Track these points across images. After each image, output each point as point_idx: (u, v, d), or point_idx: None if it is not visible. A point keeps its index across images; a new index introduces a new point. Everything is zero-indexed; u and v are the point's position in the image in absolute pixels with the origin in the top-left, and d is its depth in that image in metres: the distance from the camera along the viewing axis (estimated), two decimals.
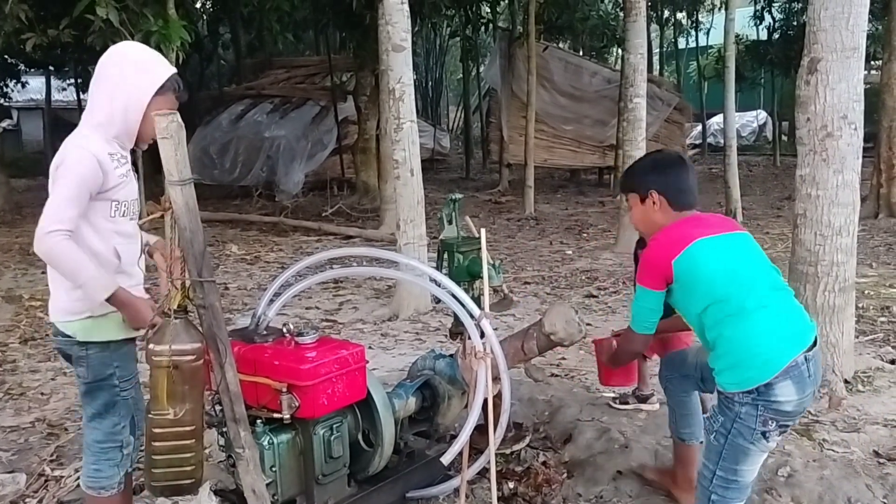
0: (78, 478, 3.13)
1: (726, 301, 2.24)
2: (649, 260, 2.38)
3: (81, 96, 25.41)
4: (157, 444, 1.79)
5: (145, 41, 7.49)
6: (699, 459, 2.44)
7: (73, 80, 24.69)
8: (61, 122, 27.04)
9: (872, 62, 16.16)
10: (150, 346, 1.75)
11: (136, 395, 2.37)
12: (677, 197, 2.44)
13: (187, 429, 1.79)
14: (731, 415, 2.21)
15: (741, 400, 2.19)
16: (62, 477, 3.20)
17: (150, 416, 1.80)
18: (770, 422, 2.18)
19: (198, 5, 15.47)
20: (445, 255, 3.14)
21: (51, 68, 22.09)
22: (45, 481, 3.20)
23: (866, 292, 6.10)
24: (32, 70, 22.29)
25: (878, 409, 3.65)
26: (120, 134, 2.20)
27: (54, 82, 25.13)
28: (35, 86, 25.38)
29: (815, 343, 2.25)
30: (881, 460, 3.13)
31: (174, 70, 2.30)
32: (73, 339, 2.28)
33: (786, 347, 2.18)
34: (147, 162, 11.77)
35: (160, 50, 7.68)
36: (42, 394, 4.32)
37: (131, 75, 2.18)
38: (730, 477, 2.27)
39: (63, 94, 27.35)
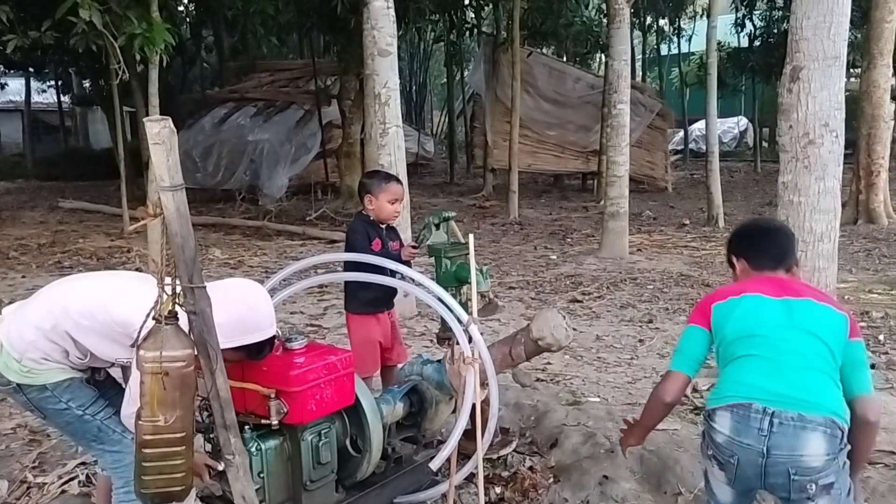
0: (62, 485, 3.12)
1: (733, 349, 2.27)
2: (700, 302, 2.44)
3: (62, 98, 25.24)
4: (146, 450, 1.78)
5: (129, 44, 7.44)
6: None
7: (53, 82, 24.47)
8: (41, 124, 26.84)
9: (852, 70, 16.38)
10: (141, 352, 1.75)
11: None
12: (753, 260, 2.45)
13: (177, 435, 1.78)
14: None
15: (705, 420, 2.28)
16: (45, 484, 3.17)
17: (139, 422, 1.79)
18: (709, 447, 2.23)
19: (181, 8, 15.39)
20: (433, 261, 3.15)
21: (31, 70, 21.86)
22: (28, 488, 3.16)
23: (847, 297, 6.18)
24: (12, 72, 22.07)
25: None
26: None
27: (34, 84, 24.87)
28: (14, 87, 25.14)
29: (800, 417, 2.09)
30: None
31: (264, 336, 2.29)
32: (10, 384, 2.28)
33: (744, 391, 2.17)
34: (128, 165, 11.72)
35: (143, 53, 7.64)
36: None
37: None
38: (706, 498, 2.36)
39: (43, 96, 27.07)
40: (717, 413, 2.19)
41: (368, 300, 3.41)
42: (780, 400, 2.12)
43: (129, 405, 2.15)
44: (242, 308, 2.25)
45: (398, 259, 3.30)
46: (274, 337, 2.35)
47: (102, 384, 2.47)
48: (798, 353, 2.19)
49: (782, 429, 2.09)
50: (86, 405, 2.34)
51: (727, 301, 2.33)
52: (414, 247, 3.40)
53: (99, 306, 2.22)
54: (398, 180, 3.58)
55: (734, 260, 2.52)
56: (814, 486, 2.08)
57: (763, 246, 2.49)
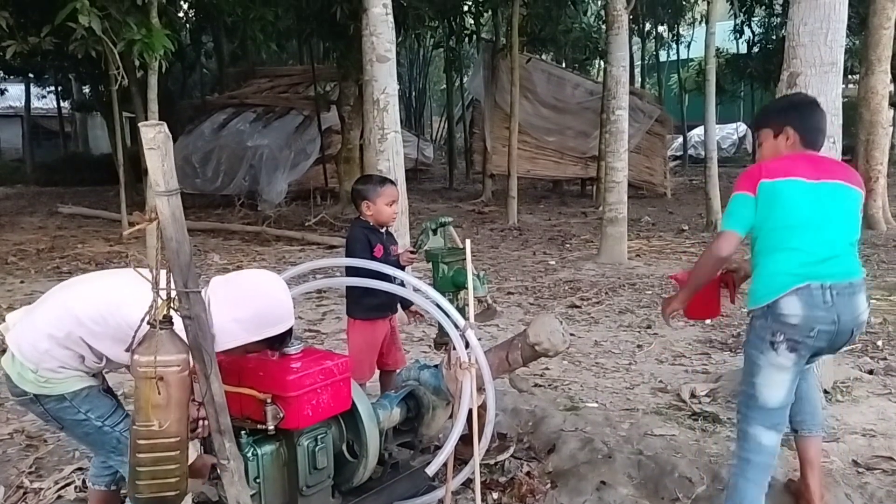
0: (59, 490, 3.11)
1: (776, 238, 2.50)
2: (748, 171, 2.60)
3: (61, 104, 25.28)
4: (141, 455, 1.78)
5: (128, 50, 7.46)
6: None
7: (53, 88, 24.50)
8: (40, 129, 26.87)
9: (850, 76, 16.42)
10: (136, 356, 1.74)
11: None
12: (808, 136, 2.64)
13: (172, 440, 1.78)
14: (750, 329, 2.57)
15: (756, 314, 2.53)
16: (41, 489, 3.16)
17: (134, 427, 1.79)
18: (777, 333, 2.46)
19: (181, 14, 15.42)
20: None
21: (31, 76, 21.89)
22: (24, 493, 3.15)
23: None
24: (11, 77, 22.09)
25: (856, 419, 3.70)
26: None
27: (34, 90, 24.90)
28: (14, 93, 25.17)
29: (850, 284, 2.48)
30: (860, 469, 3.17)
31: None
32: (27, 395, 2.26)
33: (800, 276, 2.45)
34: (127, 171, 11.72)
35: (142, 59, 7.66)
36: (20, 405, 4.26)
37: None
38: (749, 391, 2.57)
39: (43, 101, 27.11)
40: (780, 303, 2.45)
41: (372, 306, 3.41)
42: (832, 274, 2.45)
43: None
44: (265, 301, 2.28)
45: (397, 264, 3.31)
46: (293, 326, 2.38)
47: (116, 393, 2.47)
48: (838, 233, 2.51)
49: (841, 298, 2.44)
50: (105, 416, 2.32)
51: (774, 182, 2.50)
52: (412, 252, 3.41)
53: (111, 311, 2.18)
54: (392, 182, 3.59)
55: (787, 130, 2.62)
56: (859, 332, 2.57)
57: (817, 124, 2.69)
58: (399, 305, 3.60)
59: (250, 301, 2.25)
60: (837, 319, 2.43)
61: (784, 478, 3.02)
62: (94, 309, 2.21)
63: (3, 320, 2.43)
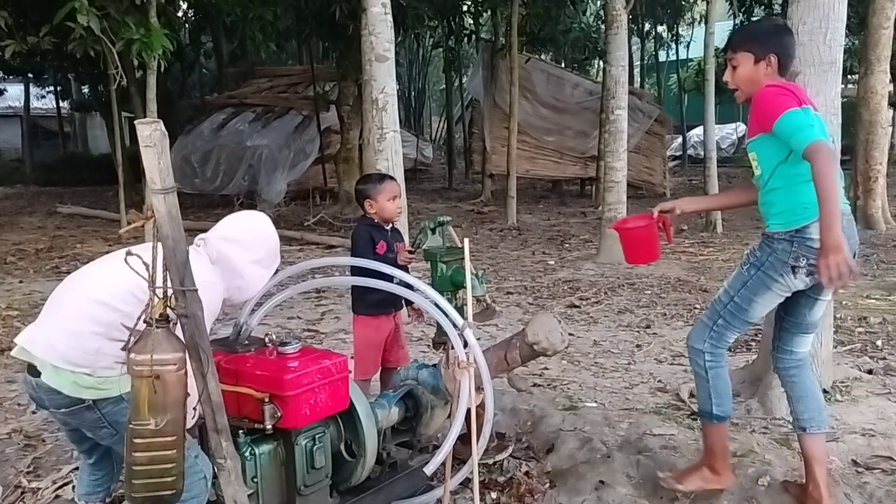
0: (57, 490, 3.10)
1: (805, 168, 2.48)
2: (781, 91, 2.52)
3: (60, 104, 25.28)
4: (137, 454, 1.77)
5: (127, 49, 7.45)
6: (725, 290, 2.74)
7: (52, 88, 24.50)
8: (40, 129, 26.88)
9: (849, 76, 16.42)
10: (132, 355, 1.74)
11: None
12: (787, 65, 2.66)
13: (168, 439, 1.78)
14: (769, 251, 2.61)
15: (780, 237, 2.59)
16: (39, 489, 3.15)
17: (130, 426, 1.78)
18: (801, 258, 2.54)
19: (180, 14, 15.42)
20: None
21: (30, 76, 21.89)
22: (22, 493, 3.14)
23: (844, 303, 6.18)
24: (11, 77, 22.09)
25: (856, 419, 3.69)
26: None
27: (33, 90, 24.91)
28: (13, 93, 25.18)
29: (848, 210, 2.63)
30: (860, 469, 3.16)
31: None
32: (82, 403, 2.16)
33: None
34: (126, 171, 11.71)
35: (141, 58, 7.66)
36: (19, 404, 4.25)
37: None
38: (743, 306, 2.67)
39: (42, 101, 27.12)
40: (809, 228, 2.52)
41: (374, 302, 3.43)
42: (843, 202, 2.50)
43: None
44: (270, 235, 2.52)
45: (396, 263, 3.31)
46: None
47: None
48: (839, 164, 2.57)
49: (848, 222, 2.55)
50: None
51: (809, 110, 2.50)
52: (410, 251, 3.42)
53: (136, 285, 2.02)
54: (392, 178, 3.63)
55: (771, 58, 2.61)
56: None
57: (794, 49, 2.72)
58: (403, 303, 3.61)
59: (260, 241, 2.46)
60: (848, 243, 2.41)
61: (783, 477, 3.02)
62: (120, 289, 2.14)
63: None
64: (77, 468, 3.21)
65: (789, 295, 2.67)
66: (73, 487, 3.11)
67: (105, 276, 2.24)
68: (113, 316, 2.11)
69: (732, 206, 3.19)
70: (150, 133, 1.60)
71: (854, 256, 2.51)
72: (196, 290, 1.73)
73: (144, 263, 1.75)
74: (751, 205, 2.91)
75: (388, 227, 3.53)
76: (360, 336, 3.53)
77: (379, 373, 3.67)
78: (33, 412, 3.99)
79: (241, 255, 2.38)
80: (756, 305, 2.67)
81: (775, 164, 2.61)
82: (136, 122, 1.57)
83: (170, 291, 1.75)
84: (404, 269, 3.25)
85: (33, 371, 2.21)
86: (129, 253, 1.79)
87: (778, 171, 2.61)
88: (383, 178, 3.59)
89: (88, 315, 2.15)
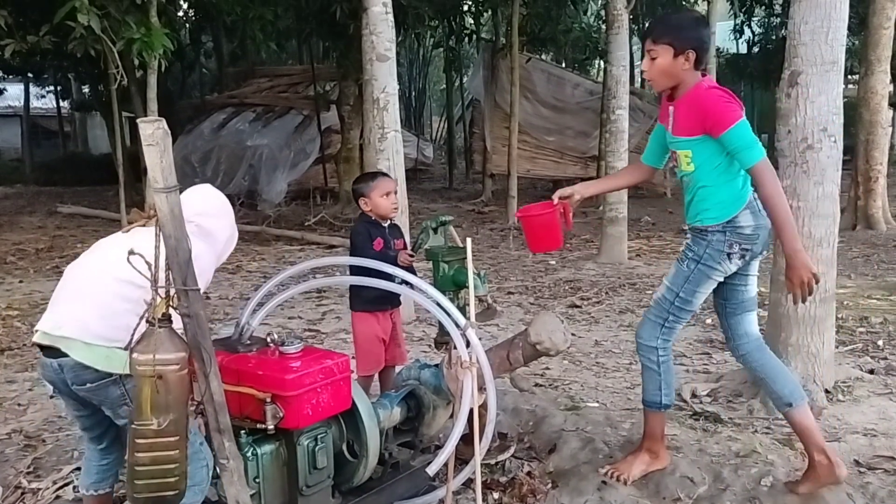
0: (57, 490, 3.10)
1: (731, 165, 2.73)
2: (730, 99, 2.70)
3: (61, 103, 25.28)
4: (139, 455, 1.77)
5: (127, 49, 7.44)
6: (668, 288, 2.91)
7: (52, 88, 24.48)
8: (40, 129, 26.87)
9: (850, 76, 16.38)
10: (134, 355, 1.73)
11: None
12: (703, 58, 2.76)
13: (171, 439, 1.77)
14: (705, 244, 2.80)
15: (714, 230, 2.78)
16: (39, 489, 3.15)
17: (133, 426, 1.78)
18: (734, 245, 2.77)
19: (180, 13, 15.41)
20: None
21: (30, 75, 21.87)
22: (22, 494, 3.14)
23: (845, 303, 6.17)
24: (10, 77, 22.07)
25: (857, 419, 3.69)
26: None
27: (33, 89, 24.89)
28: (13, 93, 25.17)
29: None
30: (862, 469, 3.16)
31: None
32: (110, 377, 2.22)
33: (745, 194, 2.78)
34: (126, 171, 11.71)
35: (142, 58, 7.64)
36: (19, 404, 4.25)
37: None
38: (688, 298, 2.86)
39: (42, 101, 27.11)
40: (738, 218, 2.75)
41: (369, 298, 3.45)
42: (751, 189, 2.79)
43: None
44: (225, 201, 2.68)
45: (395, 261, 3.31)
46: None
47: None
48: None
49: (761, 206, 2.75)
50: None
51: (746, 121, 2.67)
52: (410, 255, 3.41)
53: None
54: (385, 174, 3.65)
55: (689, 53, 2.69)
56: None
57: (710, 42, 2.90)
58: (401, 299, 3.63)
59: (223, 206, 2.65)
60: (766, 223, 2.76)
61: (785, 477, 3.01)
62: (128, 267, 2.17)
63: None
64: (78, 468, 3.21)
65: (722, 280, 2.87)
66: (74, 488, 3.11)
67: (121, 255, 2.20)
68: (139, 293, 2.13)
69: (624, 187, 3.49)
70: (153, 132, 1.59)
71: (770, 236, 2.85)
72: (199, 290, 1.72)
73: (147, 263, 1.74)
74: (639, 185, 3.13)
75: (386, 224, 3.54)
76: (359, 332, 3.55)
77: (379, 371, 3.68)
78: (43, 407, 3.98)
79: (217, 223, 2.57)
80: (699, 296, 2.87)
81: (713, 164, 2.76)
82: (138, 120, 1.56)
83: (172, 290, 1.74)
84: (410, 269, 3.25)
85: (55, 353, 2.27)
86: (131, 252, 1.79)
87: (713, 172, 2.77)
88: (376, 175, 3.64)
89: (118, 293, 2.23)
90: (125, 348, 2.09)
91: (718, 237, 2.77)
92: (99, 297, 2.27)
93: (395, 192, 3.56)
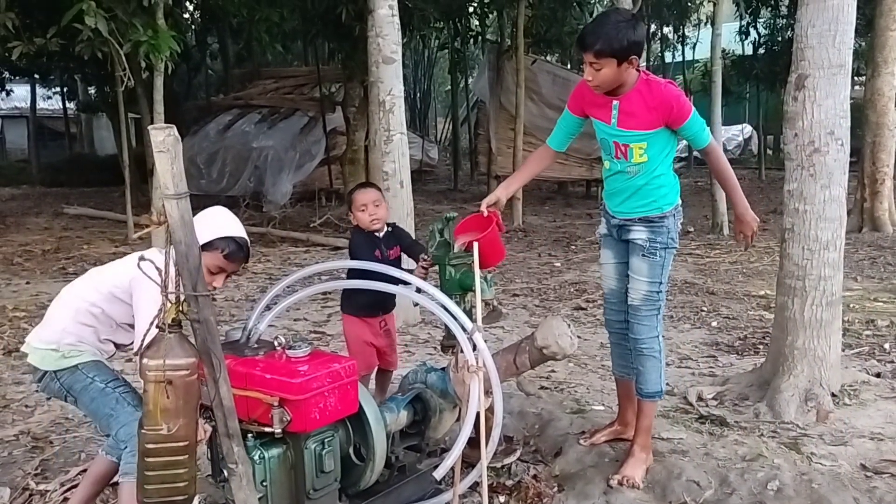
0: (65, 492, 3.11)
1: (672, 155, 3.05)
2: (682, 93, 2.97)
3: (67, 105, 25.35)
4: (149, 459, 1.77)
5: (134, 51, 7.46)
6: (650, 283, 3.07)
7: (58, 89, 24.56)
8: (46, 130, 26.95)
9: (856, 78, 16.32)
10: (144, 360, 1.74)
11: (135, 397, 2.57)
12: (641, 53, 2.94)
13: (181, 444, 1.78)
14: (664, 229, 3.03)
15: (669, 214, 3.04)
16: (47, 491, 3.16)
17: (142, 431, 1.79)
18: (681, 222, 3.11)
19: (186, 16, 15.44)
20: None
21: (36, 77, 21.94)
22: (30, 495, 3.15)
23: (851, 306, 6.16)
24: (17, 78, 22.14)
25: (864, 423, 3.67)
26: None
27: (39, 91, 24.95)
28: (20, 94, 25.22)
29: None
30: (868, 473, 3.15)
31: (230, 233, 2.62)
32: (46, 374, 2.57)
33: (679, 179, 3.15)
34: (132, 172, 11.74)
35: (148, 60, 7.66)
36: (26, 406, 4.27)
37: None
38: (665, 281, 3.09)
39: (48, 102, 27.20)
40: (679, 198, 3.09)
41: (361, 304, 3.50)
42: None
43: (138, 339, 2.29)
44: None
45: (396, 264, 3.34)
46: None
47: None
48: None
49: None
50: (108, 380, 2.59)
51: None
52: (425, 266, 3.33)
53: (100, 279, 2.63)
54: (364, 186, 3.65)
55: (634, 60, 2.83)
56: None
57: (644, 36, 3.01)
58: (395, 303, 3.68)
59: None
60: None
61: (792, 482, 3.01)
62: (85, 284, 2.65)
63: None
64: (84, 471, 3.23)
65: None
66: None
67: (85, 276, 2.73)
68: (82, 304, 2.58)
69: (537, 174, 3.52)
70: (164, 138, 1.60)
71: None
72: (208, 295, 1.73)
73: (158, 269, 1.76)
74: (546, 169, 3.44)
75: (381, 234, 3.53)
76: (349, 333, 3.59)
77: (375, 375, 3.71)
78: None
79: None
80: (666, 278, 3.11)
81: (664, 153, 3.00)
82: (149, 127, 1.57)
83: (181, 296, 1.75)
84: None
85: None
86: (142, 258, 1.81)
87: (665, 160, 3.01)
88: (356, 188, 3.63)
89: (63, 304, 2.64)
90: (56, 349, 2.53)
91: (671, 220, 3.04)
92: (53, 309, 2.66)
93: (376, 204, 3.49)
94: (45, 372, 2.58)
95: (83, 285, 2.65)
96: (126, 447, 2.49)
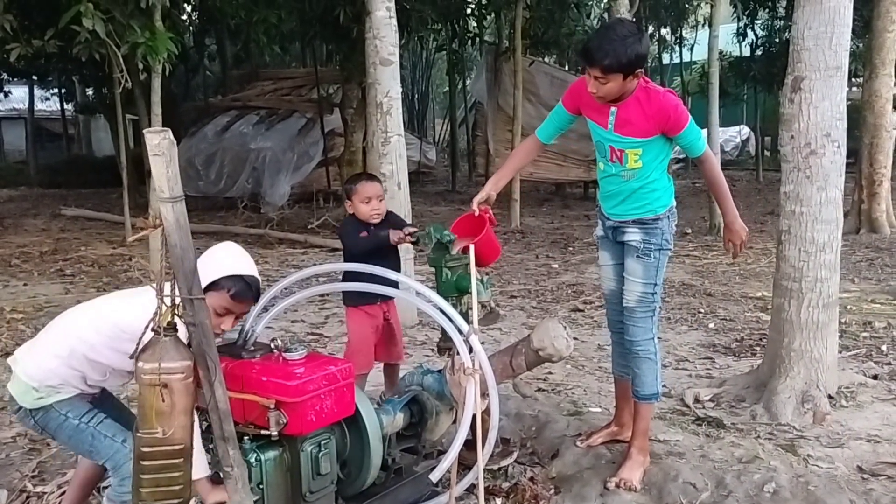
0: (62, 495, 3.11)
1: (666, 161, 3.09)
2: (680, 101, 3.02)
3: (65, 106, 25.33)
4: (145, 463, 1.77)
5: (132, 53, 7.45)
6: (644, 284, 3.11)
7: (56, 90, 24.54)
8: (44, 131, 26.92)
9: (853, 80, 16.36)
10: (140, 363, 1.74)
11: (116, 415, 2.48)
12: (645, 65, 3.04)
13: (176, 448, 1.78)
14: (659, 231, 3.08)
15: (663, 216, 3.09)
16: (44, 493, 3.16)
17: (138, 434, 1.79)
18: (674, 224, 3.15)
19: (184, 17, 15.44)
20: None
21: (34, 78, 21.93)
22: (27, 498, 3.15)
23: (849, 307, 6.17)
24: (15, 80, 22.13)
25: (861, 425, 3.68)
26: None
27: (37, 92, 24.93)
28: (18, 95, 25.19)
29: None
30: (865, 476, 3.15)
31: (237, 272, 2.41)
32: (21, 410, 2.42)
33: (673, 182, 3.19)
34: (130, 173, 11.73)
35: (146, 61, 7.66)
36: None
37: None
38: (660, 282, 3.14)
39: (46, 103, 27.16)
40: (673, 203, 3.14)
41: (358, 293, 3.43)
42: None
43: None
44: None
45: (393, 251, 3.39)
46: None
47: (99, 400, 2.57)
48: None
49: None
50: (81, 415, 2.42)
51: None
52: (412, 240, 3.34)
53: (102, 319, 2.35)
54: (370, 179, 3.61)
55: (637, 73, 2.88)
56: None
57: (648, 46, 3.02)
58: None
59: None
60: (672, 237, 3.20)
61: (789, 484, 3.01)
62: (89, 322, 2.38)
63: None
64: None
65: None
66: None
67: (85, 308, 2.50)
68: (78, 346, 2.35)
69: (524, 166, 3.62)
70: (159, 142, 1.60)
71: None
72: (204, 299, 1.73)
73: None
74: (531, 160, 3.48)
75: (373, 225, 3.49)
76: (352, 329, 3.58)
77: (383, 369, 3.71)
78: None
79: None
80: (661, 279, 3.15)
81: (659, 159, 3.04)
82: (144, 130, 1.57)
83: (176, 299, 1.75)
84: (396, 264, 3.28)
85: None
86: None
87: (659, 165, 3.05)
88: (361, 178, 3.60)
89: (55, 338, 2.41)
90: (36, 389, 2.35)
91: (666, 223, 3.10)
92: (44, 338, 2.45)
93: (379, 199, 3.48)
94: (21, 406, 2.44)
95: (86, 322, 2.41)
96: (114, 479, 2.41)
